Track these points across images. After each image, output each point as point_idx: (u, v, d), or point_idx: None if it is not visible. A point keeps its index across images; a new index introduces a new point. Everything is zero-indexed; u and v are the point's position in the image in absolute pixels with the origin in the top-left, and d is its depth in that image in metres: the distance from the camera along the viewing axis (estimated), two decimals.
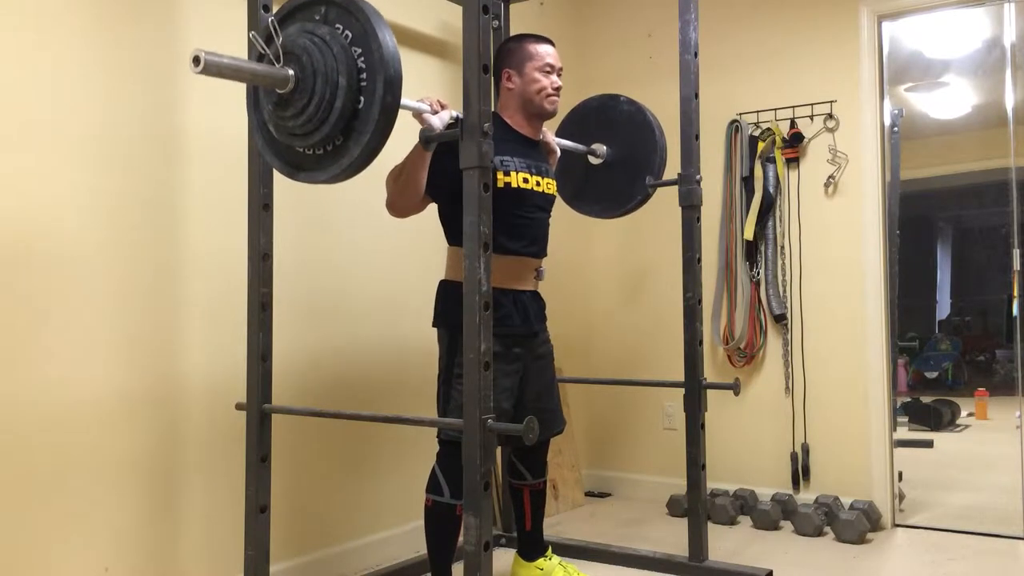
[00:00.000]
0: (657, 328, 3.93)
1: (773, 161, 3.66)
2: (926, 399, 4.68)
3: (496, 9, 3.36)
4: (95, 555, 2.21)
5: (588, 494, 4.04)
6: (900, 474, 3.53)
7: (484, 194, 1.93)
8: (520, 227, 2.43)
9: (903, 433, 4.20)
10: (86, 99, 2.22)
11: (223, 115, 2.50)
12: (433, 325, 2.46)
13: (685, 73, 2.89)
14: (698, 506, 2.85)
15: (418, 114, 2.21)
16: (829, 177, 3.56)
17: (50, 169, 2.14)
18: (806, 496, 3.55)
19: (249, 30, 2.32)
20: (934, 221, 4.86)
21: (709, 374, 3.34)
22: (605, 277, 4.16)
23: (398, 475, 3.07)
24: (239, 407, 2.36)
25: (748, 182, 3.68)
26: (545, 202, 2.57)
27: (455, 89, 3.36)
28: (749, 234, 3.62)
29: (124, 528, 2.28)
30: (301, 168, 1.96)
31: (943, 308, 4.89)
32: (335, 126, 1.85)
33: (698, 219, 2.90)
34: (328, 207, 2.87)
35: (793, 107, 3.64)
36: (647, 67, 4.00)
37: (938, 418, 4.62)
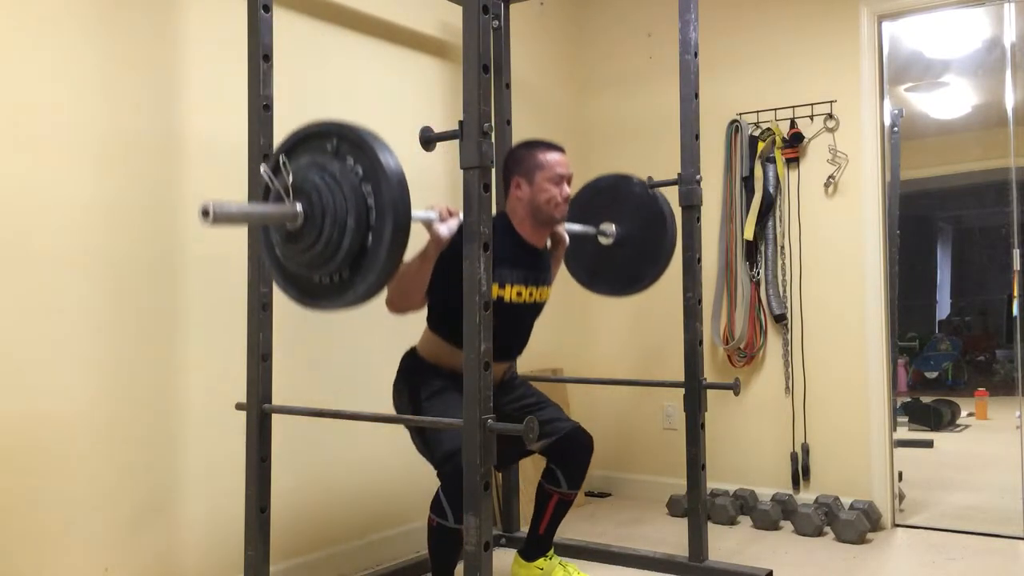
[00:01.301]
0: (657, 328, 3.93)
1: (773, 161, 3.66)
2: (926, 399, 4.68)
3: (496, 9, 3.36)
4: (95, 555, 2.21)
5: (588, 494, 4.04)
6: (900, 474, 3.53)
7: (484, 194, 1.93)
8: (501, 334, 2.28)
9: (903, 433, 4.20)
10: (86, 99, 2.22)
11: (223, 115, 2.50)
12: (394, 387, 2.48)
13: (685, 73, 2.89)
14: (698, 506, 2.85)
15: (428, 223, 2.21)
16: (829, 177, 3.56)
17: (50, 169, 2.14)
18: (806, 496, 3.55)
19: (249, 31, 2.32)
20: (934, 221, 4.86)
21: (709, 374, 3.34)
22: None
23: (398, 475, 3.07)
24: (239, 407, 2.36)
25: (748, 182, 3.68)
26: (535, 311, 2.62)
27: (455, 89, 3.36)
28: (749, 234, 3.62)
29: (124, 528, 2.28)
30: (310, 295, 1.97)
31: (943, 308, 4.89)
32: (342, 262, 1.85)
33: (698, 219, 2.90)
34: None
35: (793, 107, 3.64)
36: (647, 67, 4.00)
37: (938, 418, 4.62)
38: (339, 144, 1.88)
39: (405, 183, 1.82)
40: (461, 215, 2.03)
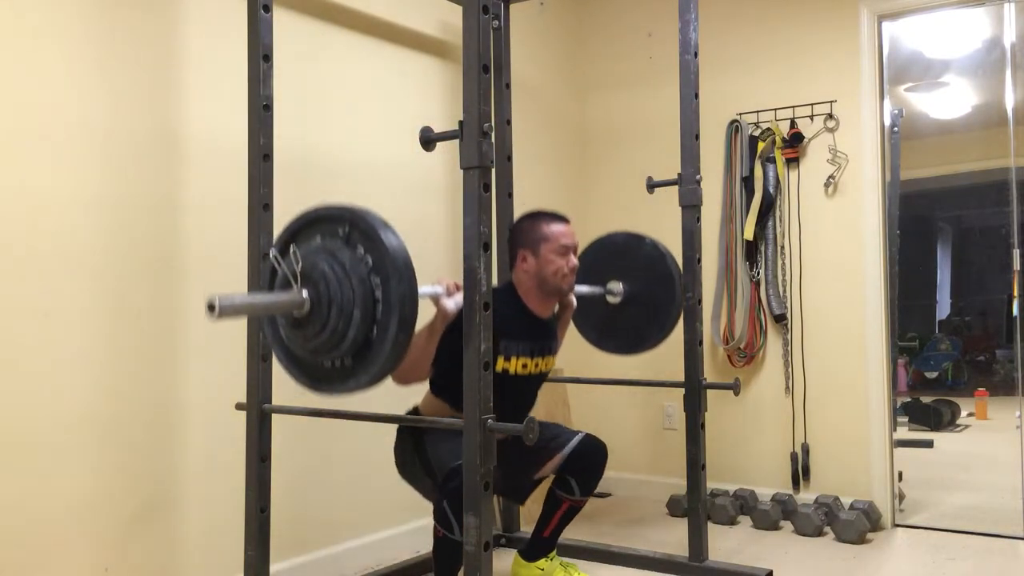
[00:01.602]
0: None
1: (773, 161, 3.65)
2: (926, 399, 4.67)
3: (496, 9, 3.36)
4: (95, 555, 2.21)
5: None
6: (900, 474, 3.53)
7: (484, 194, 1.93)
8: (506, 405, 2.29)
9: (903, 433, 4.20)
10: (86, 99, 2.22)
11: (224, 115, 2.51)
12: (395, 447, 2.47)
13: (685, 73, 2.89)
14: (698, 506, 2.85)
15: (435, 298, 2.22)
16: (829, 177, 3.56)
17: (50, 169, 2.14)
18: (806, 496, 3.55)
19: (249, 30, 2.32)
20: (934, 221, 4.86)
21: (709, 374, 3.34)
22: None
23: (398, 475, 3.07)
24: (239, 407, 2.36)
25: (748, 182, 3.68)
26: (539, 380, 2.63)
27: (455, 89, 3.36)
28: (749, 234, 3.62)
29: (124, 528, 2.28)
30: (313, 378, 1.97)
31: (943, 308, 4.88)
32: (346, 352, 1.85)
33: (698, 219, 2.90)
34: None
35: (793, 107, 3.64)
36: (647, 67, 4.00)
37: (938, 418, 4.61)
38: (351, 231, 1.87)
39: (414, 278, 1.82)
40: None
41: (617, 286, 3.06)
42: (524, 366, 2.50)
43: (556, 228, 2.53)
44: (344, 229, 1.88)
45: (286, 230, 1.98)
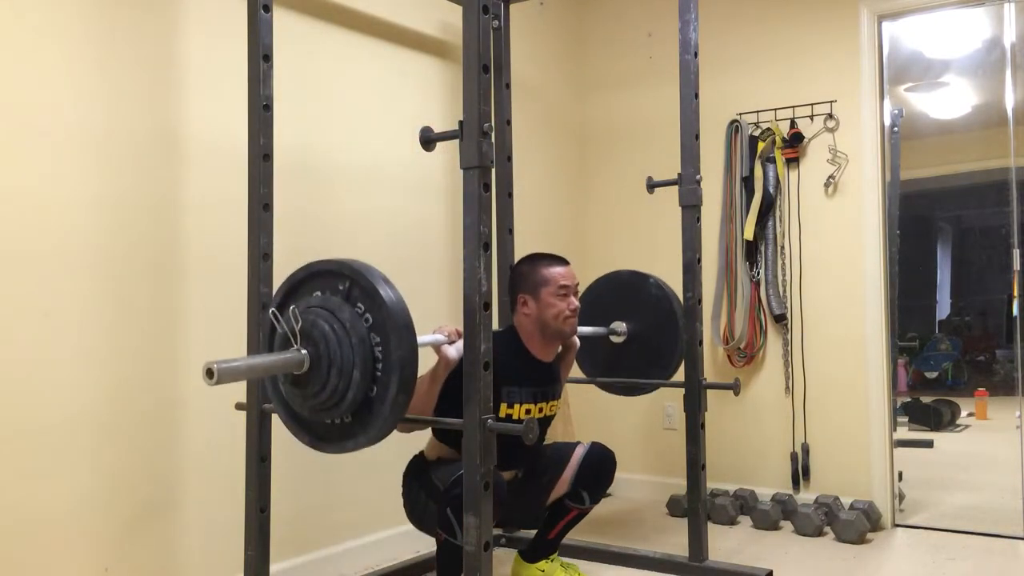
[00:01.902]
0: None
1: (773, 161, 3.65)
2: (926, 399, 4.67)
3: (496, 9, 3.36)
4: (95, 555, 2.21)
5: None
6: (900, 474, 3.53)
7: (484, 194, 1.93)
8: (510, 450, 2.32)
9: (903, 433, 4.19)
10: (86, 99, 2.22)
11: (224, 115, 2.51)
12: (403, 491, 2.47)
13: (685, 73, 2.89)
14: (698, 506, 2.85)
15: (436, 347, 2.23)
16: (829, 177, 3.56)
17: (50, 168, 2.14)
18: (806, 496, 3.55)
19: (249, 30, 2.32)
20: (934, 221, 4.85)
21: (709, 374, 3.34)
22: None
23: (398, 475, 3.07)
24: (239, 407, 2.36)
25: (748, 182, 3.68)
26: (544, 424, 2.61)
27: (455, 89, 3.36)
28: (749, 234, 3.62)
29: (124, 528, 2.28)
30: (313, 435, 1.97)
31: (943, 308, 4.88)
32: (345, 411, 1.86)
33: (698, 219, 2.90)
34: (329, 207, 2.87)
35: (793, 107, 3.64)
36: (647, 67, 4.00)
37: (938, 418, 4.61)
38: (351, 288, 1.87)
39: (414, 337, 1.83)
40: None
41: (621, 326, 3.08)
42: (528, 412, 2.50)
43: (555, 270, 2.52)
44: (344, 285, 1.88)
45: (286, 283, 1.98)
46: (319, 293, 1.92)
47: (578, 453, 2.66)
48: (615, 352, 3.12)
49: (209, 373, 1.67)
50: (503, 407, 2.42)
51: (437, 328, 2.28)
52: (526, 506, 2.61)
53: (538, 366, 2.56)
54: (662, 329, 3.01)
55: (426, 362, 2.09)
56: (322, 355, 1.83)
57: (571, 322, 2.54)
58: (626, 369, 3.12)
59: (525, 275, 2.55)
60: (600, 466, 2.66)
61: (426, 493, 2.37)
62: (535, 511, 2.68)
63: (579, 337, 2.77)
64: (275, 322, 1.92)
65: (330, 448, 1.95)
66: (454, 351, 2.23)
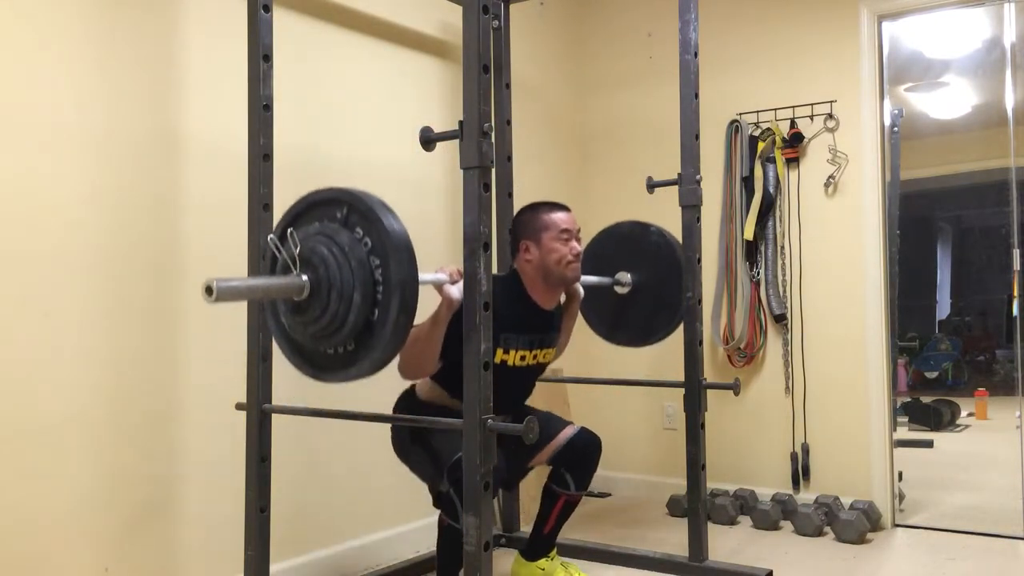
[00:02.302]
0: None
1: (773, 161, 3.66)
2: (926, 399, 4.67)
3: (496, 9, 3.36)
4: (95, 555, 2.21)
5: (588, 494, 4.03)
6: (900, 474, 3.53)
7: (484, 193, 1.93)
8: (502, 394, 2.27)
9: (903, 433, 4.20)
10: (86, 99, 2.22)
11: (224, 115, 2.50)
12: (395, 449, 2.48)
13: (685, 73, 2.89)
14: (698, 506, 2.85)
15: (439, 286, 2.21)
16: (829, 177, 3.56)
17: (50, 168, 2.14)
18: (806, 496, 3.55)
19: (249, 30, 2.32)
20: (934, 221, 4.86)
21: (709, 374, 3.34)
22: None
23: (398, 475, 3.06)
24: (239, 407, 2.36)
25: (748, 182, 3.68)
26: (537, 371, 2.62)
27: (455, 89, 3.36)
28: (749, 234, 3.62)
29: (124, 528, 2.28)
30: (314, 365, 1.96)
31: (943, 308, 4.88)
32: (347, 336, 1.84)
33: (698, 219, 2.90)
34: None
35: (793, 107, 3.64)
36: (647, 67, 4.00)
37: (938, 418, 4.61)
38: (349, 214, 1.86)
39: (414, 259, 1.81)
40: None
41: (625, 276, 3.05)
42: (522, 358, 2.50)
43: (556, 216, 2.53)
44: (342, 212, 1.87)
45: (285, 216, 1.98)
46: (317, 223, 1.90)
47: (568, 431, 2.66)
48: (620, 303, 3.09)
49: (208, 290, 1.66)
50: (499, 352, 2.40)
51: (439, 268, 2.24)
52: (507, 462, 2.60)
53: (538, 313, 2.56)
54: (667, 277, 2.98)
55: (426, 308, 2.03)
56: (322, 279, 1.82)
57: (574, 267, 2.53)
58: (632, 320, 3.09)
59: (527, 222, 2.55)
60: (584, 449, 2.66)
61: (411, 436, 2.40)
62: (515, 471, 2.66)
63: (584, 288, 2.77)
64: (275, 250, 1.90)
65: (333, 377, 1.92)
66: (456, 291, 2.20)
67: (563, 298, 2.72)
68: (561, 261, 2.50)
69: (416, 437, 2.41)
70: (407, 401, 2.52)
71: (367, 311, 1.81)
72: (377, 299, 1.80)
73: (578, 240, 2.56)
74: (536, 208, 2.57)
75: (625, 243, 3.11)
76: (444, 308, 2.22)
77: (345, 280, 1.80)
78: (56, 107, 2.16)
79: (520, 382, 2.60)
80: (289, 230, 1.88)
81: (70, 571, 2.15)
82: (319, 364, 1.94)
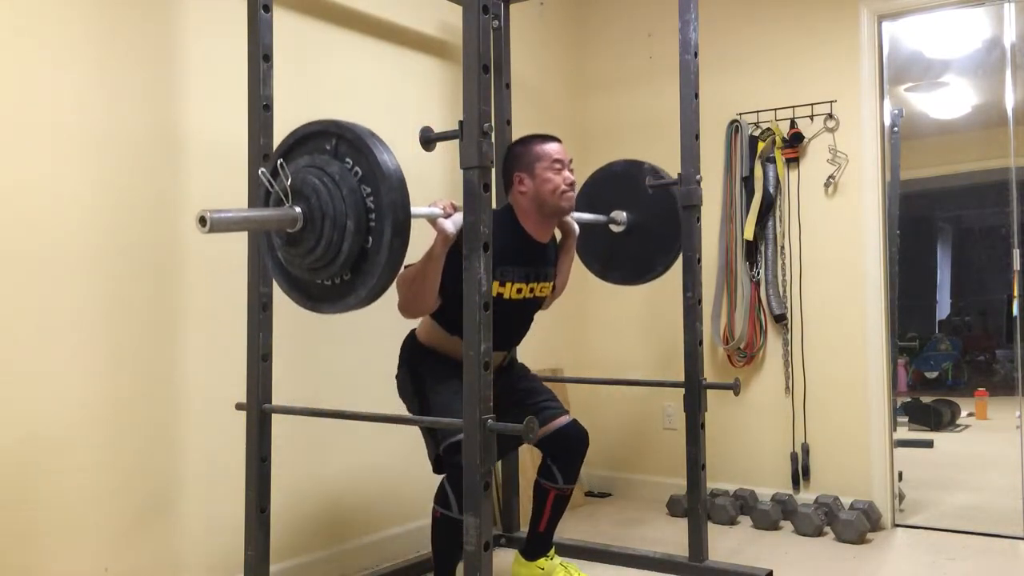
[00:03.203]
0: (657, 328, 3.93)
1: (773, 161, 3.66)
2: (926, 399, 4.67)
3: (496, 9, 3.36)
4: (95, 555, 2.21)
5: (588, 494, 4.04)
6: (900, 474, 3.53)
7: (484, 194, 1.93)
8: (500, 329, 2.26)
9: (903, 433, 4.20)
10: (86, 99, 2.22)
11: (223, 115, 2.50)
12: (398, 372, 2.49)
13: (685, 73, 2.89)
14: (698, 506, 2.85)
15: (432, 220, 2.20)
16: (829, 177, 3.56)
17: (50, 169, 2.14)
18: (806, 496, 3.55)
19: (249, 31, 2.32)
20: (934, 221, 4.86)
21: (709, 374, 3.34)
22: None
23: (398, 475, 3.07)
24: (239, 407, 2.36)
25: (748, 182, 3.68)
26: (534, 305, 2.61)
27: (455, 89, 3.36)
28: (749, 234, 3.62)
29: (124, 528, 2.28)
30: (312, 298, 1.97)
31: (943, 308, 4.88)
32: (343, 265, 1.85)
33: (698, 219, 2.90)
34: None
35: (793, 107, 3.64)
36: (647, 67, 4.00)
37: (938, 418, 4.61)
38: (337, 144, 1.88)
39: (404, 184, 1.82)
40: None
41: (621, 215, 3.05)
42: (519, 291, 2.49)
43: (548, 146, 2.52)
44: (331, 144, 1.88)
45: (275, 152, 1.98)
46: (307, 156, 1.91)
47: (560, 420, 2.65)
48: (615, 241, 3.10)
49: (202, 221, 1.66)
50: (495, 285, 2.37)
51: (432, 202, 2.23)
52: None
53: (534, 246, 2.55)
54: (662, 214, 2.99)
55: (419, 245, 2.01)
56: (314, 209, 1.83)
57: (568, 196, 2.52)
58: (628, 258, 3.09)
59: (519, 154, 2.54)
60: (571, 442, 2.64)
61: (414, 388, 2.41)
62: (503, 443, 2.65)
63: (579, 226, 2.78)
64: (267, 184, 1.90)
65: (332, 308, 1.92)
66: (451, 224, 2.19)
67: (559, 236, 2.72)
68: (555, 191, 2.49)
69: (418, 389, 2.41)
70: (409, 346, 2.51)
71: (361, 239, 1.82)
72: (370, 226, 1.81)
73: (571, 170, 2.54)
74: (528, 140, 2.56)
75: (619, 183, 3.10)
76: (439, 242, 2.21)
77: (338, 209, 1.82)
78: (56, 107, 2.16)
79: (518, 317, 2.58)
80: (280, 162, 1.89)
81: (70, 571, 2.15)
82: (317, 296, 1.95)
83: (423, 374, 2.43)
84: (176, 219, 2.42)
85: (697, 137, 2.89)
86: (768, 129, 3.67)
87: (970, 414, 4.71)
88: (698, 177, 2.88)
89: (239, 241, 2.40)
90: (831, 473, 3.54)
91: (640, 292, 4.03)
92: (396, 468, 3.07)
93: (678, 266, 2.94)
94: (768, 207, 3.65)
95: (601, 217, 3.04)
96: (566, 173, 2.51)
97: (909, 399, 4.68)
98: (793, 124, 3.63)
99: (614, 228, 3.07)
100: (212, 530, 2.47)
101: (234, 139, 2.46)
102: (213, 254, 2.49)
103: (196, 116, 2.47)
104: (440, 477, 2.39)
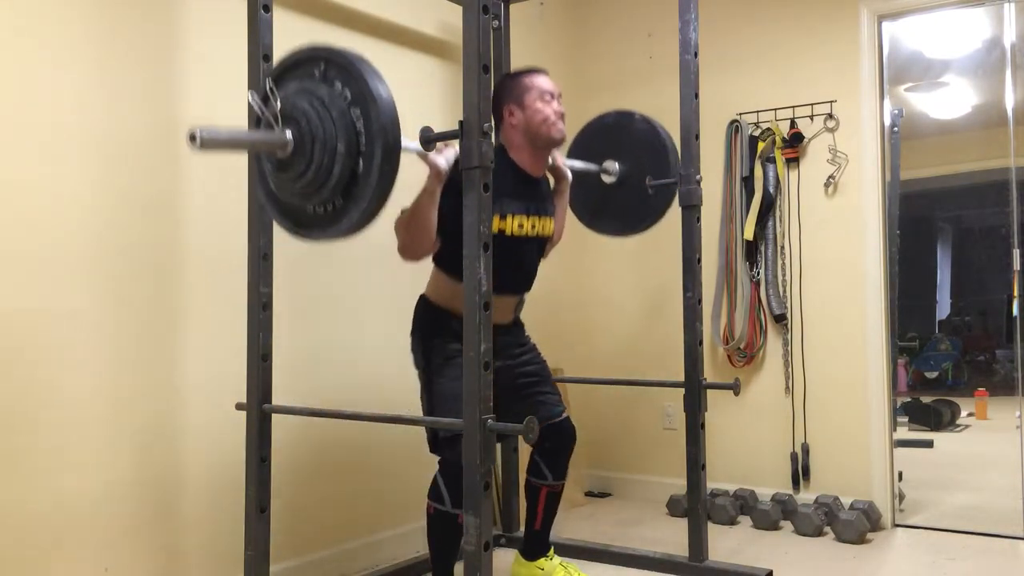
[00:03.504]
0: (657, 328, 3.93)
1: (773, 161, 3.65)
2: (926, 399, 4.67)
3: (496, 9, 3.36)
4: (95, 555, 2.21)
5: (588, 494, 4.04)
6: (900, 474, 3.53)
7: (484, 194, 1.93)
8: (506, 271, 2.34)
9: (903, 433, 4.19)
10: (86, 99, 2.22)
11: (223, 114, 2.50)
12: (411, 337, 2.47)
13: (685, 73, 2.89)
14: (698, 506, 2.85)
15: (423, 156, 2.20)
16: (829, 177, 3.56)
17: (51, 169, 2.14)
18: (806, 496, 3.55)
19: (249, 31, 2.32)
20: (934, 221, 4.86)
21: (709, 374, 3.34)
22: (605, 277, 4.16)
23: (398, 475, 3.07)
24: (239, 407, 2.36)
25: (748, 182, 3.68)
26: (537, 244, 2.59)
27: (455, 89, 3.36)
28: (749, 234, 3.62)
29: (124, 528, 2.28)
30: (303, 226, 1.96)
31: (943, 308, 4.88)
32: (334, 190, 1.84)
33: (698, 219, 2.90)
34: None
35: (793, 107, 3.64)
36: (647, 67, 4.00)
37: (938, 418, 4.61)
38: (327, 69, 1.86)
39: (395, 108, 1.81)
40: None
41: (613, 166, 3.05)
42: (520, 226, 2.46)
43: (537, 78, 2.52)
44: (320, 68, 1.87)
45: (265, 80, 1.96)
46: (297, 82, 1.90)
47: (558, 415, 2.65)
48: (607, 193, 3.10)
49: (192, 137, 1.66)
50: (496, 220, 2.36)
51: None
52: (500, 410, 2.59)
53: (528, 180, 2.54)
54: (653, 161, 3.00)
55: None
56: (304, 133, 1.82)
57: (559, 128, 2.51)
58: (619, 207, 3.09)
59: (509, 87, 2.53)
60: (562, 436, 2.65)
61: (424, 362, 2.39)
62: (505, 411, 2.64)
63: (572, 172, 2.79)
64: (257, 109, 1.89)
65: (324, 234, 1.91)
66: (443, 160, 2.19)
67: (552, 181, 2.72)
68: (546, 121, 2.48)
69: (426, 363, 2.38)
70: (421, 310, 2.48)
71: (352, 163, 1.81)
72: (360, 149, 1.81)
73: (559, 101, 2.53)
74: (516, 74, 2.56)
75: (611, 134, 3.11)
76: (433, 179, 2.21)
77: (328, 131, 1.81)
78: (56, 107, 2.16)
79: (521, 256, 2.53)
80: (270, 86, 1.88)
81: (70, 571, 2.15)
82: (308, 223, 1.94)
83: (432, 348, 2.37)
84: (176, 219, 2.42)
85: (697, 137, 2.89)
86: (768, 129, 3.67)
87: (970, 414, 4.71)
88: (698, 177, 2.88)
89: (239, 240, 2.40)
90: (831, 473, 3.54)
91: (640, 292, 4.03)
92: (395, 469, 3.07)
93: (678, 266, 2.93)
94: (768, 207, 3.65)
95: (593, 165, 3.05)
96: (555, 104, 2.51)
97: (909, 399, 4.68)
98: (793, 124, 3.63)
99: (606, 179, 3.08)
100: (212, 530, 2.47)
101: None
102: (213, 254, 2.49)
103: (196, 116, 2.47)
104: (434, 467, 2.39)
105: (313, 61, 1.89)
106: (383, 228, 3.00)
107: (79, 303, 2.19)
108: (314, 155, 1.82)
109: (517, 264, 2.51)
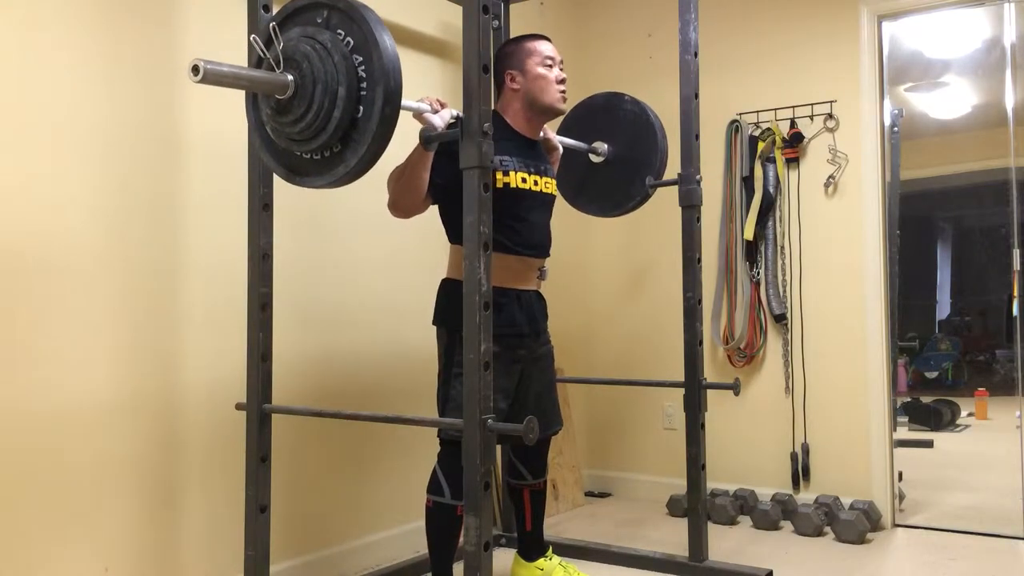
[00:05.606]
0: (657, 328, 3.93)
1: (773, 161, 3.66)
2: (926, 399, 4.68)
3: (496, 9, 3.36)
4: (95, 555, 2.21)
5: (588, 494, 4.04)
6: (900, 474, 3.53)
7: (484, 194, 1.93)
8: (520, 227, 2.43)
9: (903, 433, 4.20)
10: (87, 100, 2.22)
11: (224, 115, 2.50)
12: (433, 323, 2.46)
13: (685, 73, 2.89)
14: (698, 506, 2.85)
15: (418, 114, 2.21)
16: (829, 177, 3.56)
17: (51, 170, 2.14)
18: (806, 496, 3.55)
19: (249, 33, 2.32)
20: (934, 221, 4.86)
21: (709, 374, 3.34)
22: (605, 277, 4.16)
23: (398, 475, 3.07)
24: (239, 407, 2.36)
25: (748, 182, 3.68)
26: (545, 201, 2.56)
27: (455, 89, 3.36)
28: (749, 234, 3.62)
29: (124, 528, 2.28)
30: (298, 172, 1.96)
31: (943, 308, 4.88)
32: (333, 135, 1.84)
33: (698, 219, 2.90)
34: (329, 207, 2.87)
35: (793, 107, 3.64)
36: (647, 67, 4.00)
37: (938, 418, 4.61)
38: (329, 16, 1.87)
39: (396, 55, 1.82)
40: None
41: (602, 146, 3.07)
42: (524, 180, 2.44)
43: (540, 43, 2.52)
44: (323, 15, 1.88)
45: (265, 28, 1.96)
46: (299, 28, 1.91)
47: (551, 428, 2.66)
48: (593, 172, 3.11)
49: (195, 69, 1.66)
50: (498, 176, 2.36)
51: (420, 98, 2.23)
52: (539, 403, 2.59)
53: (526, 142, 2.53)
54: (640, 142, 3.02)
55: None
56: (306, 75, 1.83)
57: (561, 94, 2.51)
58: (605, 185, 3.11)
59: (511, 52, 2.53)
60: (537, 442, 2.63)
61: (446, 355, 2.37)
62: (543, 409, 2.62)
63: (562, 149, 2.80)
64: (259, 51, 1.89)
65: (321, 180, 1.91)
66: (439, 120, 2.19)
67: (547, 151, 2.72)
68: (548, 86, 2.48)
69: (448, 357, 2.36)
70: (446, 293, 2.44)
71: (352, 108, 1.82)
72: (361, 95, 1.81)
73: (562, 69, 2.53)
74: (518, 39, 2.55)
75: (600, 116, 3.12)
76: None
77: (329, 75, 1.82)
78: (56, 107, 2.16)
79: (532, 211, 2.49)
80: (272, 25, 1.89)
81: (70, 571, 2.15)
82: (304, 170, 1.94)
83: (455, 344, 2.31)
84: (176, 219, 2.42)
85: (697, 137, 2.89)
86: (768, 129, 3.67)
87: (970, 414, 4.71)
88: (698, 177, 2.88)
89: (239, 240, 2.40)
90: (831, 473, 3.54)
91: (640, 292, 4.03)
92: (395, 470, 3.07)
93: (678, 266, 2.93)
94: (768, 207, 3.65)
95: (583, 145, 3.07)
96: (557, 70, 2.50)
97: (909, 399, 4.68)
98: (793, 124, 3.63)
99: (594, 159, 3.10)
100: (212, 530, 2.47)
101: (234, 139, 2.46)
102: (213, 254, 2.49)
103: (196, 116, 2.47)
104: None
105: (316, 8, 1.90)
106: (384, 228, 3.01)
107: (79, 303, 2.19)
108: (315, 98, 1.82)
109: (527, 220, 2.47)
